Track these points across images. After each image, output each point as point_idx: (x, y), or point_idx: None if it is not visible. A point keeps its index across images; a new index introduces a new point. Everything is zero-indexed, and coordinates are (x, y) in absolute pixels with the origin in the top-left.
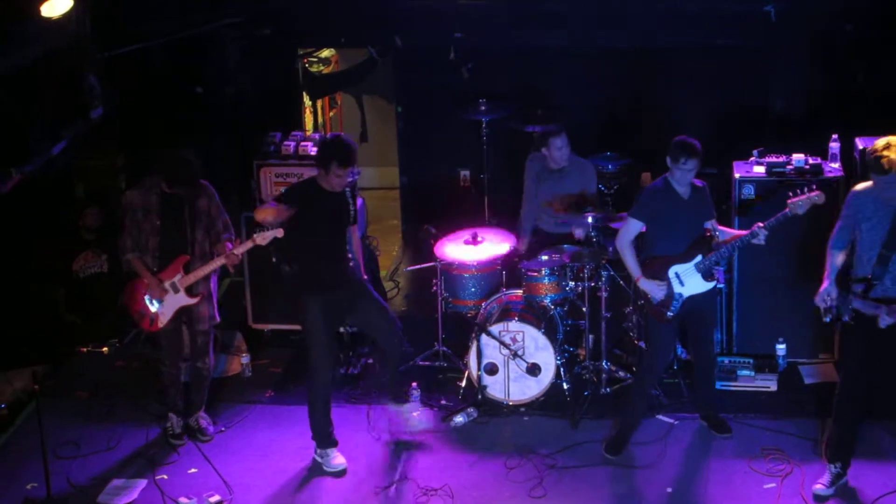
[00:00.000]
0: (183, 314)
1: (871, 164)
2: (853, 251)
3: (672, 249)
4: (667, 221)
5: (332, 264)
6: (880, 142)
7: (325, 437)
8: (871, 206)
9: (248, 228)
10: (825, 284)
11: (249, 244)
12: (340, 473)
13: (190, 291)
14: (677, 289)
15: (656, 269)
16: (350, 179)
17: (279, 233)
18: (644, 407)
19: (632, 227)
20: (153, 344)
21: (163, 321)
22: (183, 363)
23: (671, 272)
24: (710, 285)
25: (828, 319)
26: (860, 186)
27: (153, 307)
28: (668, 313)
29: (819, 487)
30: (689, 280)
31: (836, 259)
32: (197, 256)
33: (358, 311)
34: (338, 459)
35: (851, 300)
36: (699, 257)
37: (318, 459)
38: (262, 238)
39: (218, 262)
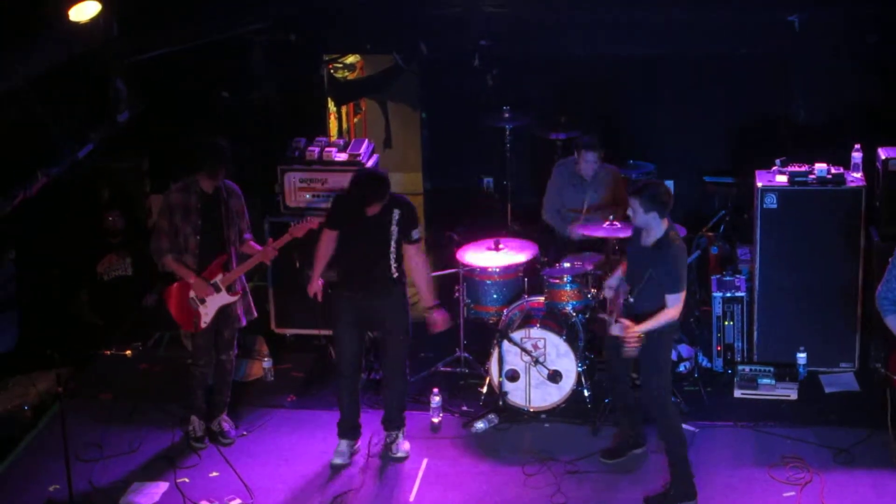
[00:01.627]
0: (222, 311)
1: None
2: None
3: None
4: (628, 254)
5: (365, 272)
6: None
7: (339, 426)
8: None
9: (272, 233)
10: None
11: (287, 237)
12: (330, 467)
13: (231, 289)
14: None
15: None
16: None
17: (314, 223)
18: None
19: None
20: (180, 345)
21: (206, 321)
22: (212, 364)
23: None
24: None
25: None
26: None
27: (198, 307)
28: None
29: None
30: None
31: None
32: (232, 255)
33: (380, 331)
34: (339, 453)
35: None
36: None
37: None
38: (299, 230)
39: (257, 259)
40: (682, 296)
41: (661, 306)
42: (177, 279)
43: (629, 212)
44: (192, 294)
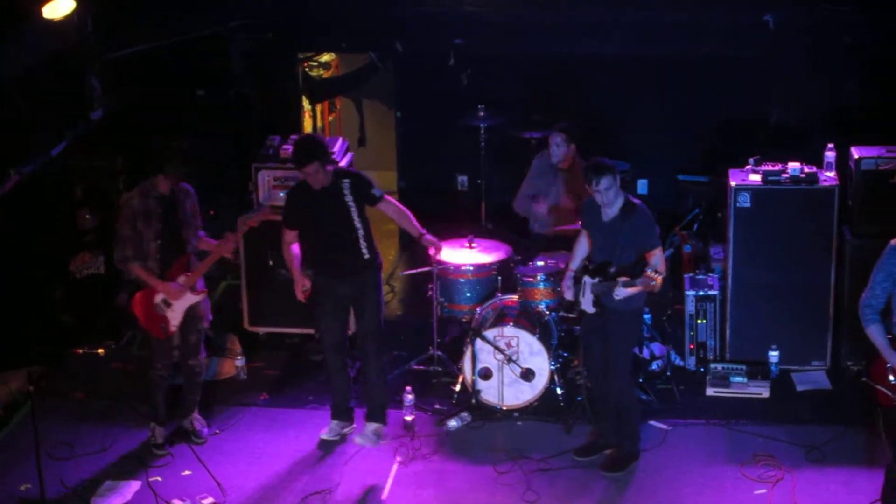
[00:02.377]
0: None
1: None
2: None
3: (592, 259)
4: (591, 233)
5: (336, 258)
6: None
7: (331, 409)
8: None
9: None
10: (894, 356)
11: (245, 228)
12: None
13: (193, 290)
14: (580, 297)
15: (580, 270)
16: (327, 174)
17: (265, 213)
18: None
19: (581, 233)
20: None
21: (175, 325)
22: (171, 366)
23: (584, 278)
24: (592, 311)
25: None
26: None
27: (165, 312)
28: (570, 315)
29: None
30: (586, 296)
31: (882, 328)
32: (191, 255)
33: (356, 310)
34: (327, 430)
35: None
36: (597, 279)
37: None
38: (254, 219)
39: (217, 254)
40: (661, 248)
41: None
42: (142, 286)
43: (599, 194)
44: (157, 300)
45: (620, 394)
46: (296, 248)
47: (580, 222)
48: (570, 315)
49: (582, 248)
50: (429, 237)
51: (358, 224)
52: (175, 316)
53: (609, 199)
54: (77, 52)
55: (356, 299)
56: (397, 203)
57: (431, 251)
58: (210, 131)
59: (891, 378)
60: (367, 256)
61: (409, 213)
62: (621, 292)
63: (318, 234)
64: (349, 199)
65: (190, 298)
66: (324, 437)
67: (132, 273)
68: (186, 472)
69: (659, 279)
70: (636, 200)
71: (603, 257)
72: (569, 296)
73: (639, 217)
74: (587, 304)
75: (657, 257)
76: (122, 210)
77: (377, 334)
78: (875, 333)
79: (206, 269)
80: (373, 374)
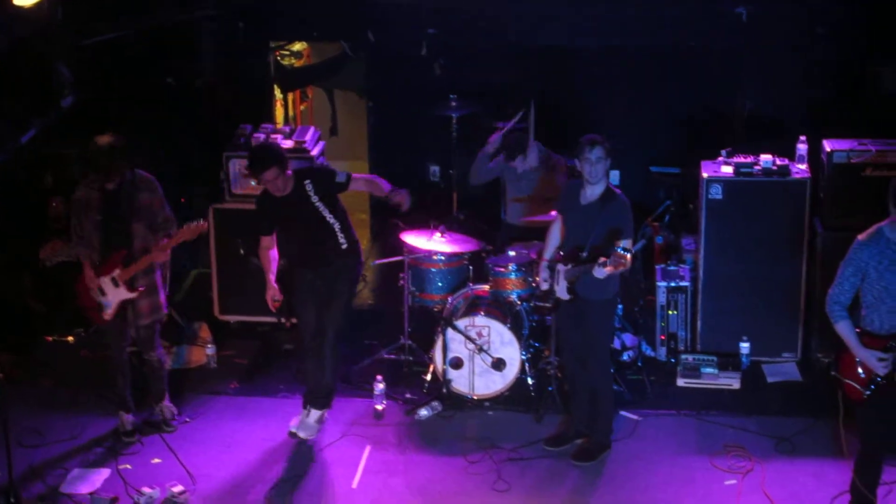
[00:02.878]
0: (128, 306)
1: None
2: (855, 306)
3: (566, 244)
4: (566, 217)
5: (315, 253)
6: None
7: (304, 396)
8: (887, 251)
9: (216, 220)
10: (862, 351)
11: (178, 238)
12: (290, 434)
13: (131, 286)
14: (555, 285)
15: (554, 260)
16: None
17: (204, 226)
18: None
19: (555, 220)
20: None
21: (108, 313)
22: (128, 349)
23: (557, 266)
24: (567, 298)
25: (872, 388)
26: (865, 236)
27: (100, 299)
28: (546, 304)
29: None
30: (560, 283)
31: (850, 324)
32: (138, 251)
33: (325, 293)
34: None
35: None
36: (569, 265)
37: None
38: (191, 231)
39: (149, 259)
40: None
41: None
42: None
43: (589, 164)
44: (92, 287)
45: (597, 383)
46: (274, 254)
47: (556, 208)
48: (546, 305)
49: (555, 236)
50: (396, 192)
51: (332, 220)
52: (109, 305)
53: (597, 173)
54: (47, 39)
55: (329, 285)
56: (363, 176)
57: (399, 204)
58: (180, 120)
59: (859, 371)
60: (344, 247)
61: (376, 178)
62: (601, 272)
63: (295, 236)
64: (315, 199)
65: (123, 294)
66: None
67: (80, 259)
68: (156, 461)
69: (628, 257)
70: (617, 190)
71: (575, 241)
72: (544, 286)
73: (617, 205)
74: (562, 292)
75: (626, 243)
76: (71, 202)
77: (339, 320)
78: (844, 329)
79: (139, 270)
80: (327, 358)
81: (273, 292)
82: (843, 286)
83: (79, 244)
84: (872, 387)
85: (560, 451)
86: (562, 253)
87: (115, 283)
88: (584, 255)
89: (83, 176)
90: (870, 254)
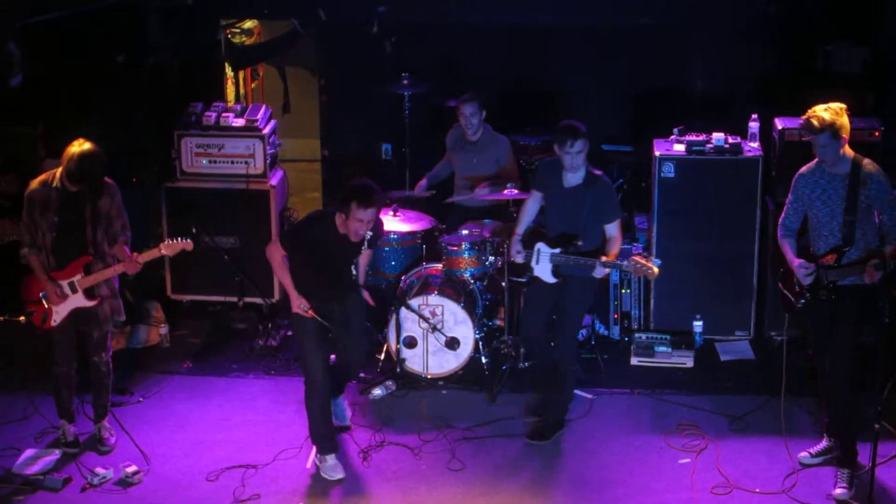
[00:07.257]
0: (80, 313)
1: (804, 126)
2: (803, 231)
3: (549, 226)
4: (546, 196)
5: (334, 286)
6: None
7: (323, 441)
8: (821, 181)
9: (168, 200)
10: (798, 262)
11: (156, 253)
12: (337, 482)
13: (89, 294)
14: (533, 264)
15: (530, 235)
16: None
17: (188, 245)
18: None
19: (531, 196)
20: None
21: (56, 320)
22: (74, 362)
23: (537, 245)
24: (553, 281)
25: (802, 302)
26: (805, 168)
27: (47, 305)
28: (521, 279)
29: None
30: (542, 264)
31: (793, 242)
32: (97, 257)
33: (341, 327)
34: (335, 468)
35: (827, 273)
36: (558, 250)
37: (317, 464)
38: (170, 248)
39: (119, 269)
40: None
41: (602, 241)
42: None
43: (570, 156)
44: (42, 291)
45: (563, 359)
46: (286, 267)
47: (532, 185)
48: (521, 280)
49: (531, 211)
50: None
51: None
52: (59, 312)
53: (578, 163)
54: None
55: (344, 320)
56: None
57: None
58: (130, 98)
59: (795, 286)
60: (353, 276)
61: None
62: (601, 271)
63: (324, 269)
64: (365, 245)
65: (79, 301)
66: (336, 478)
67: (26, 260)
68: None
69: (655, 269)
70: (598, 171)
71: (564, 227)
72: (519, 259)
73: (602, 187)
74: (544, 274)
75: (615, 226)
76: (25, 197)
77: (362, 359)
78: (786, 247)
79: (104, 279)
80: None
81: (299, 301)
82: (788, 215)
83: (27, 244)
84: (802, 301)
85: (519, 434)
86: (545, 231)
87: (73, 289)
88: (580, 244)
89: (41, 171)
90: (804, 183)
